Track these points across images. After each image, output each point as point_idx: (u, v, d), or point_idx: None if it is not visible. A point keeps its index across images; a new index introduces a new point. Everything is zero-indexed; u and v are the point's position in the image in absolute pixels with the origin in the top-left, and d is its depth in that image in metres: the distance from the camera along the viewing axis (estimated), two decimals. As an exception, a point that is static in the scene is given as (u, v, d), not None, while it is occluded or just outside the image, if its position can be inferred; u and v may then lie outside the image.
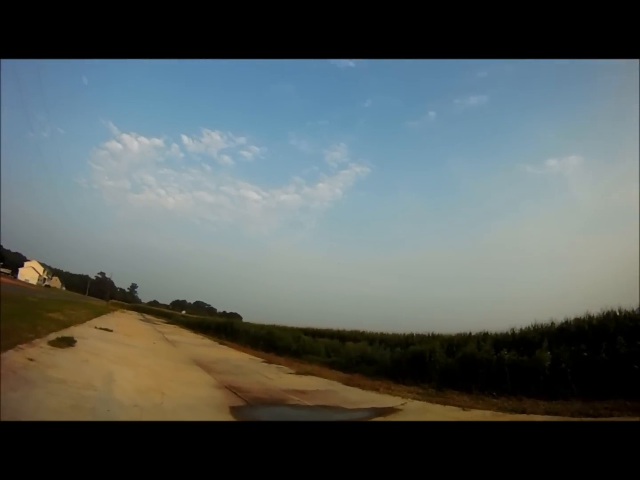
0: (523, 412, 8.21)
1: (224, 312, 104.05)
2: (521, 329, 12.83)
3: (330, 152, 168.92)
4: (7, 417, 4.28)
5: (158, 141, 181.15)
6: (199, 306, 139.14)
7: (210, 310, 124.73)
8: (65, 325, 15.62)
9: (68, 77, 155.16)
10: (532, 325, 12.66)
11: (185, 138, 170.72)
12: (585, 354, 9.50)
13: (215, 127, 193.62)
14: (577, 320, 11.43)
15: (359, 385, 12.67)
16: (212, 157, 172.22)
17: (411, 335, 18.49)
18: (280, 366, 17.64)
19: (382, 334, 21.40)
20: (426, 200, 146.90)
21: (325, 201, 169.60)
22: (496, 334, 13.41)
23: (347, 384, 13.09)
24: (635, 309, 10.49)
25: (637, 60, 3.81)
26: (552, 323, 12.11)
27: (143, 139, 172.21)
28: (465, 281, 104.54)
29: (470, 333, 14.69)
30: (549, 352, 10.43)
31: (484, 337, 13.64)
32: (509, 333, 12.96)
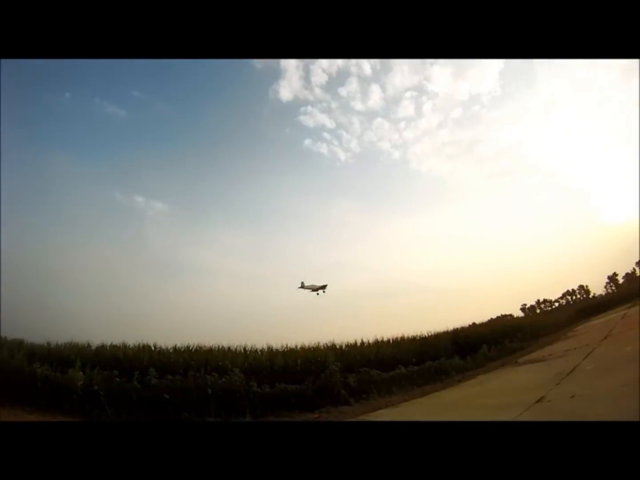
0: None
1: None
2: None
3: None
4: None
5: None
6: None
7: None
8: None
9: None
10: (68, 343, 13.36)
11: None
12: (119, 379, 11.44)
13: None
14: (113, 347, 13.43)
15: None
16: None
17: None
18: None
19: None
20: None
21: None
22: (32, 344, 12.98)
23: None
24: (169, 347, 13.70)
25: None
26: (89, 344, 13.48)
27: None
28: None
29: None
30: (82, 372, 11.55)
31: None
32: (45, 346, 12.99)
